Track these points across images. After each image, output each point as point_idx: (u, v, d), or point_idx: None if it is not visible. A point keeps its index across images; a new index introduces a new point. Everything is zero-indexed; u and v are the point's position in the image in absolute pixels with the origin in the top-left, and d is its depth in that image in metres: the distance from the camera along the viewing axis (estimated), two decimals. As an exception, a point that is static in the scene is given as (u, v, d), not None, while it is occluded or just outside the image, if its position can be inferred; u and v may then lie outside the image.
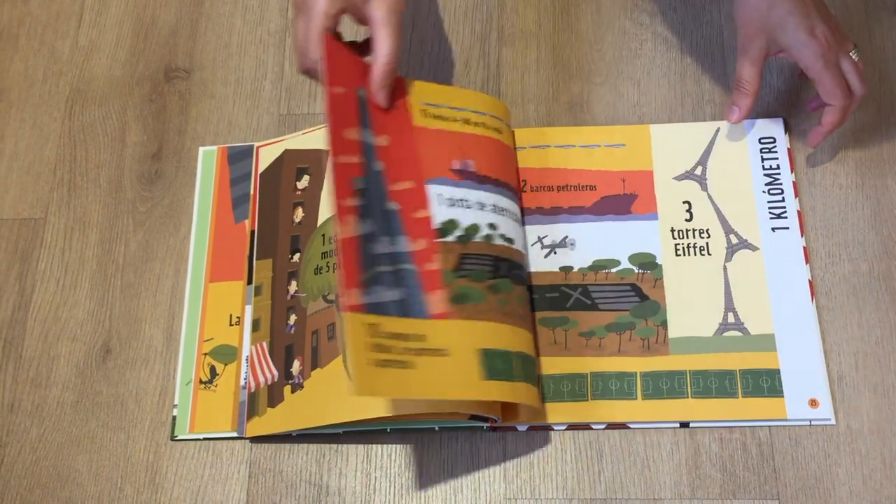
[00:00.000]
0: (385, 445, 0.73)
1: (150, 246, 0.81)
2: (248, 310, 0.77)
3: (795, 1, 0.71)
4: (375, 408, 0.68)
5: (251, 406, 0.73)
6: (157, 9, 0.91)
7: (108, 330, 0.78)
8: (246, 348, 0.76)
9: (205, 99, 0.87)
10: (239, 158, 0.83)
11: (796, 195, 0.77)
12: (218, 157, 0.84)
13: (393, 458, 0.72)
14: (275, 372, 0.73)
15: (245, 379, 0.75)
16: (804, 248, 0.76)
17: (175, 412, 0.75)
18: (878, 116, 0.80)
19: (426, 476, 0.72)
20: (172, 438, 0.74)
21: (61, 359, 0.78)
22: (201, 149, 0.84)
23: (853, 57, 0.73)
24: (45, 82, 0.89)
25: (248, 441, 0.74)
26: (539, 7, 0.88)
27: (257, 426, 0.72)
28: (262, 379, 0.74)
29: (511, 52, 0.86)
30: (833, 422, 0.70)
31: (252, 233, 0.80)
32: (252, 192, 0.81)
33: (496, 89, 0.85)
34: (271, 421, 0.72)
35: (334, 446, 0.73)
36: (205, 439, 0.74)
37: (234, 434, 0.73)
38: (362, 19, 0.66)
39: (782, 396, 0.70)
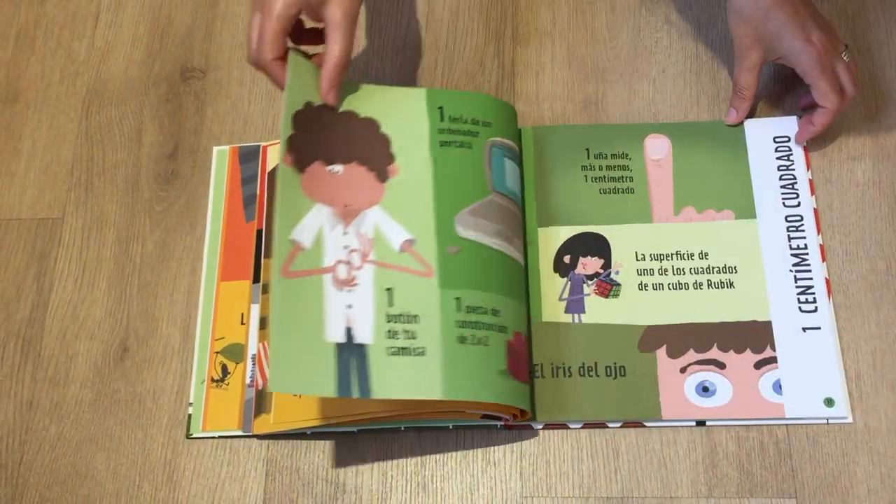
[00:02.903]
0: (401, 444, 0.73)
1: (166, 245, 0.82)
2: (255, 308, 0.77)
3: (790, 11, 0.73)
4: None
5: (259, 403, 0.74)
6: (172, 9, 0.92)
7: (126, 328, 0.79)
8: (253, 347, 0.76)
9: (220, 99, 0.87)
10: (250, 158, 0.83)
11: (812, 193, 0.77)
12: (230, 156, 0.84)
13: (409, 457, 0.72)
14: None
15: (252, 377, 0.75)
16: (820, 245, 0.75)
17: (190, 410, 0.75)
18: (894, 113, 0.80)
19: (442, 474, 0.72)
20: (188, 436, 0.75)
21: (79, 357, 0.78)
22: (215, 148, 0.85)
23: (845, 59, 0.75)
24: (61, 83, 0.90)
25: (264, 439, 0.74)
26: (553, 6, 0.88)
27: (265, 423, 0.73)
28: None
29: (525, 50, 0.86)
30: (850, 420, 0.70)
31: (259, 232, 0.80)
32: (259, 191, 0.82)
33: (511, 88, 0.85)
34: (279, 418, 0.72)
35: (351, 444, 0.73)
36: (219, 437, 0.74)
37: (241, 433, 0.74)
38: (318, 19, 0.68)
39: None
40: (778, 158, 0.78)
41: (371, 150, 0.74)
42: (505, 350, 0.68)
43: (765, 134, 0.79)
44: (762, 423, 0.71)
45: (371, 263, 0.70)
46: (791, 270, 0.74)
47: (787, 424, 0.71)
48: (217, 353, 0.77)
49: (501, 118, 0.77)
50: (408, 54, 0.87)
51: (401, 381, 0.66)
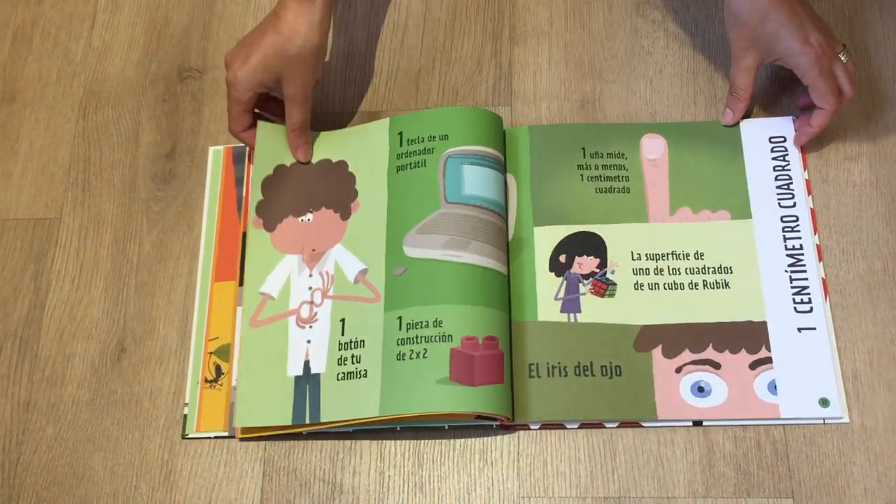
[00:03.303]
0: (398, 444, 0.73)
1: (163, 245, 0.82)
2: (241, 311, 0.77)
3: (788, 12, 0.73)
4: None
5: None
6: (169, 10, 0.92)
7: (123, 329, 0.79)
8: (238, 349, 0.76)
9: (217, 98, 0.87)
10: (241, 159, 0.83)
11: (809, 193, 0.77)
12: (224, 156, 0.84)
13: (406, 457, 0.73)
14: None
15: (237, 380, 0.75)
16: (817, 245, 0.75)
17: (186, 411, 0.75)
18: (891, 113, 0.80)
19: (439, 474, 0.72)
20: (184, 437, 0.75)
21: (76, 357, 0.78)
22: (211, 148, 0.85)
23: (843, 59, 0.75)
24: (58, 83, 0.90)
25: (262, 439, 0.74)
26: (551, 5, 0.88)
27: (250, 428, 0.73)
28: None
29: (523, 50, 0.86)
30: (847, 420, 0.70)
31: (244, 234, 0.80)
32: (245, 194, 0.82)
33: (508, 88, 0.85)
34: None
35: (348, 444, 0.73)
36: (215, 437, 0.74)
37: (227, 434, 0.74)
38: (278, 94, 0.78)
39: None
40: (774, 159, 0.78)
41: (338, 191, 0.79)
42: (447, 358, 0.69)
43: (760, 134, 0.79)
44: (759, 424, 0.71)
45: (329, 298, 0.75)
46: (786, 271, 0.74)
47: (783, 424, 0.71)
48: (211, 353, 0.77)
49: (463, 127, 0.77)
50: (405, 54, 0.87)
51: (345, 403, 0.71)
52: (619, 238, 0.77)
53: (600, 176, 0.79)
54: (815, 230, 0.76)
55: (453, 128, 0.77)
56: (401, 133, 0.79)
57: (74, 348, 0.79)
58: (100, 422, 0.76)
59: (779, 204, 0.77)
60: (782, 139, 0.79)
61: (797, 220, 0.76)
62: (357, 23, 0.89)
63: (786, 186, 0.77)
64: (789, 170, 0.78)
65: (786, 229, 0.76)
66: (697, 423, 0.71)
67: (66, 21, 0.92)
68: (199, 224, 0.82)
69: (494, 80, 0.85)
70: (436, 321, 0.70)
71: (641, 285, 0.75)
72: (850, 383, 0.71)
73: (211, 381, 0.76)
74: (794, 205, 0.76)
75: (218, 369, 0.76)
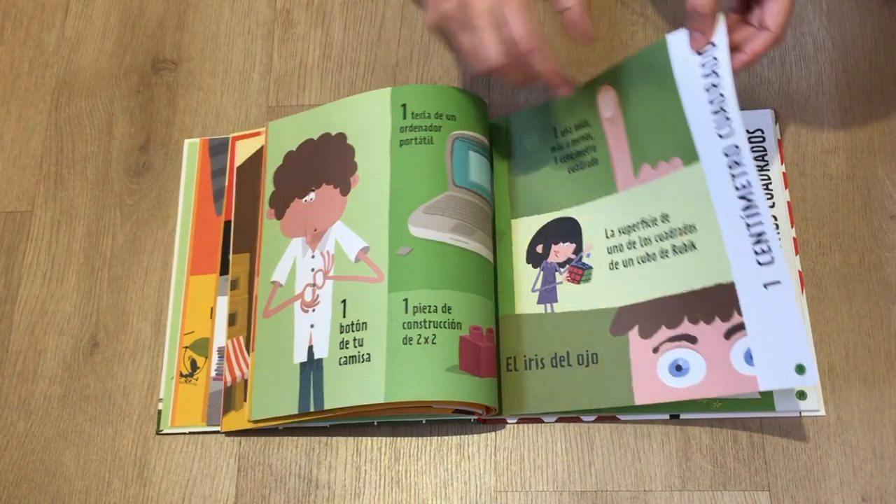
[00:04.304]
0: (374, 438, 0.72)
1: (137, 239, 0.81)
2: (222, 301, 0.76)
3: None
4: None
5: (228, 400, 0.73)
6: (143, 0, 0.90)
7: (96, 323, 0.78)
8: (221, 340, 0.75)
9: (192, 90, 0.86)
10: (219, 150, 0.83)
11: (786, 186, 0.77)
12: (200, 149, 0.83)
13: (382, 451, 0.72)
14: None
15: (217, 371, 0.74)
16: (794, 238, 0.75)
17: (160, 406, 0.74)
18: (867, 106, 0.80)
19: (416, 469, 0.71)
20: (158, 432, 0.74)
21: (48, 353, 0.77)
22: (186, 141, 0.84)
23: None
24: (31, 74, 0.88)
25: (237, 435, 0.73)
26: (529, -3, 0.87)
27: (234, 420, 0.72)
28: (238, 374, 0.73)
29: (501, 42, 0.85)
30: (823, 413, 0.70)
31: (227, 223, 0.79)
32: (227, 183, 0.81)
33: (486, 80, 0.84)
34: (246, 416, 0.72)
35: (324, 440, 0.73)
36: (190, 433, 0.73)
37: (206, 427, 0.73)
38: None
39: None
40: (705, 76, 0.67)
41: (337, 166, 0.75)
42: (457, 346, 0.68)
43: (688, 47, 0.68)
44: (735, 416, 0.71)
45: (330, 279, 0.72)
46: (741, 217, 0.66)
47: (761, 417, 0.71)
48: (186, 347, 0.76)
49: (468, 111, 0.76)
50: (383, 47, 0.86)
51: (348, 389, 0.68)
52: (592, 217, 0.75)
53: (571, 154, 0.77)
54: (792, 224, 0.76)
55: (460, 109, 0.75)
56: (404, 105, 0.75)
57: (46, 343, 0.78)
58: (72, 417, 0.75)
59: (718, 135, 0.67)
60: (711, 46, 0.66)
61: (738, 150, 0.66)
62: (334, 14, 0.88)
63: (720, 110, 0.66)
64: (722, 89, 0.66)
65: (730, 164, 0.66)
66: (674, 416, 0.71)
67: (38, 11, 0.91)
68: (174, 217, 0.81)
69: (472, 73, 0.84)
70: (445, 307, 0.68)
71: (616, 264, 0.73)
72: (827, 376, 0.71)
73: (186, 376, 0.75)
74: (732, 132, 0.66)
75: (193, 364, 0.75)
